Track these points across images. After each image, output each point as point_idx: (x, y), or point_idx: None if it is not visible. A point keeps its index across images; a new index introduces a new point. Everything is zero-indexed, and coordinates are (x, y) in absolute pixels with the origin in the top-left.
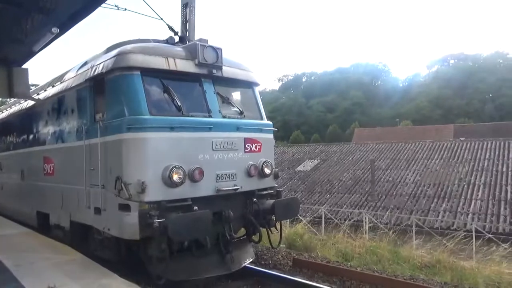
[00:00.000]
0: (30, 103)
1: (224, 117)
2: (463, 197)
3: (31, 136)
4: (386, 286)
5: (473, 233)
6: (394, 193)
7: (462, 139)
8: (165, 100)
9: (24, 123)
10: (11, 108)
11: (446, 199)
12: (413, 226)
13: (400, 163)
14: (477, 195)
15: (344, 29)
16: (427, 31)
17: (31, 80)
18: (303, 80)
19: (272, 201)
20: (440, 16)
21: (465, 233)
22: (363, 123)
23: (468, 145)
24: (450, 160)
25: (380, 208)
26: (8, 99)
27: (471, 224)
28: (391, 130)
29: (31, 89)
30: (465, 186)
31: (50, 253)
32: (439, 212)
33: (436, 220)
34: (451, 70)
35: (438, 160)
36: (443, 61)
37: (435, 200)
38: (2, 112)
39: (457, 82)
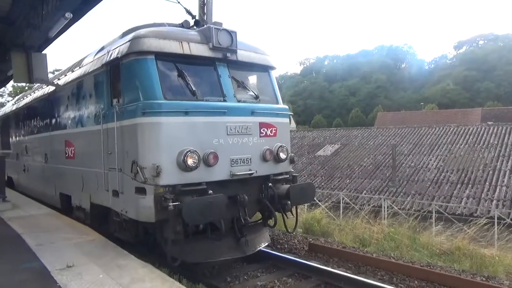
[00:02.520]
0: (52, 88)
1: (239, 101)
2: (487, 183)
3: (53, 121)
4: (402, 273)
5: (495, 220)
6: (416, 179)
7: (489, 123)
8: (180, 85)
9: (46, 107)
10: (34, 93)
11: (470, 185)
12: (433, 212)
13: (422, 148)
14: (503, 181)
15: (369, 10)
16: (455, 11)
17: (56, 66)
18: (325, 63)
19: (287, 186)
20: None
21: (487, 219)
22: (386, 107)
23: (495, 129)
24: (476, 145)
25: (401, 194)
26: (33, 84)
27: (495, 210)
28: (415, 114)
29: (53, 74)
30: (490, 172)
31: (70, 233)
32: (462, 199)
33: (459, 207)
34: (480, 51)
35: (462, 145)
36: (472, 41)
37: (458, 186)
38: (27, 97)
39: (487, 63)
